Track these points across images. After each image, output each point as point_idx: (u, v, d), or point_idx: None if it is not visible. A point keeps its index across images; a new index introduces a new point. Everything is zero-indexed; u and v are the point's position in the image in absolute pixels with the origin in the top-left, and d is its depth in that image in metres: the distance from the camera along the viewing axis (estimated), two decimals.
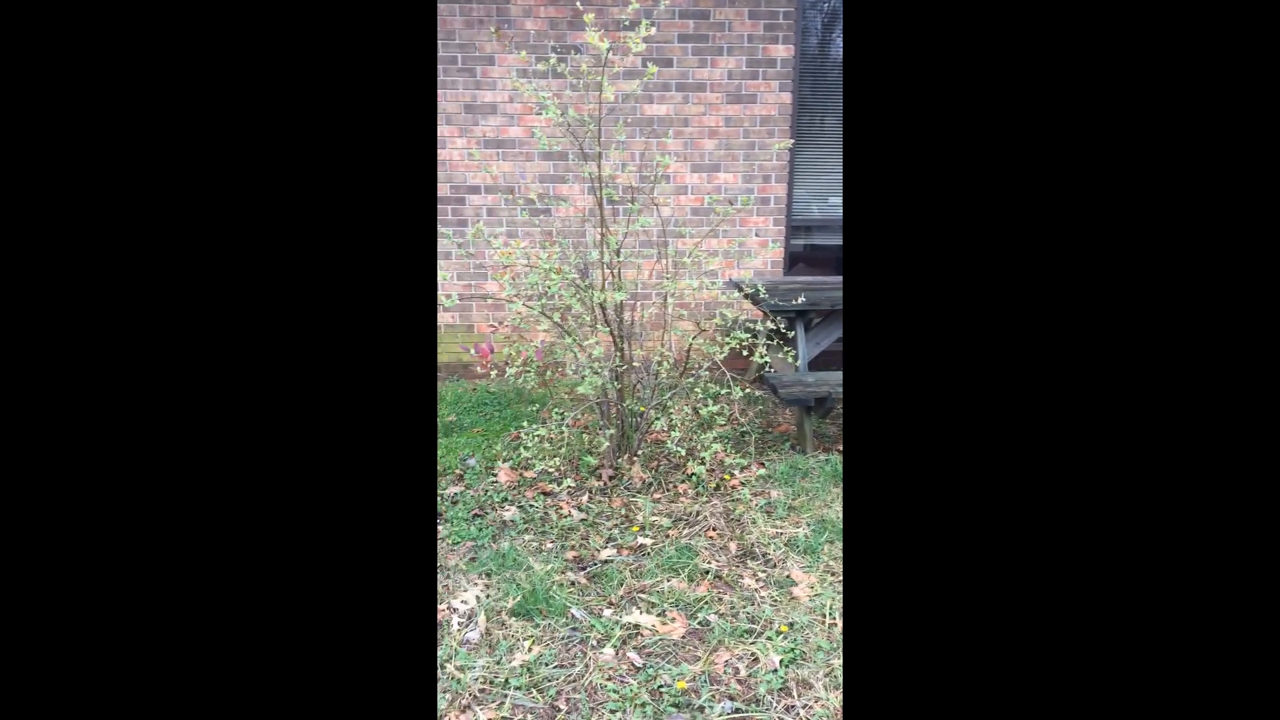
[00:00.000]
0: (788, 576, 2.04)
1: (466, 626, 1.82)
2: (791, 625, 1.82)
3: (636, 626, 1.82)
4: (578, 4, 3.49)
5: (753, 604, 1.92)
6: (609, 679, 1.64)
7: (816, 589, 1.97)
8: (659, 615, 1.86)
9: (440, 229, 2.96)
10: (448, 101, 3.61)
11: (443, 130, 3.64)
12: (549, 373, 2.94)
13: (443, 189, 3.71)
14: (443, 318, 3.85)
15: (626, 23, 3.46)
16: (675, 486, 2.58)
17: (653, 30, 2.11)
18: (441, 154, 3.67)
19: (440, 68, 3.56)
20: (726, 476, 2.65)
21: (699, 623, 1.84)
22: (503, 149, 3.68)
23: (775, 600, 1.93)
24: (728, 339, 2.64)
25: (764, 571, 2.07)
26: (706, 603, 1.92)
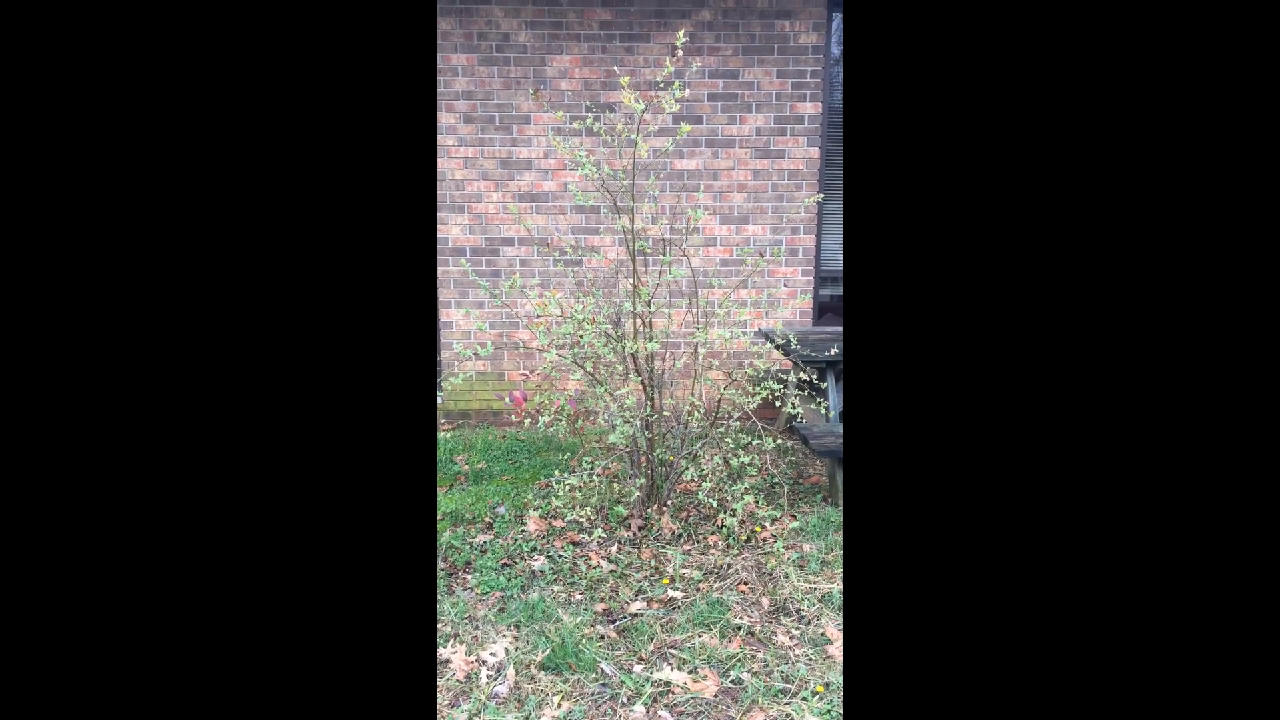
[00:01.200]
0: (822, 634, 1.99)
1: (495, 679, 1.80)
2: (827, 685, 1.77)
3: (668, 683, 1.78)
4: (614, 68, 3.64)
5: (787, 662, 1.87)
6: None
7: None
8: (690, 672, 1.82)
9: (476, 279, 3.04)
10: (485, 158, 3.74)
11: (479, 185, 3.77)
12: (579, 421, 2.96)
13: (477, 240, 3.82)
14: (475, 366, 3.92)
15: (660, 83, 3.59)
16: (705, 538, 2.55)
17: (685, 93, 2.20)
18: (478, 207, 3.79)
19: (478, 126, 3.71)
20: (758, 528, 2.61)
21: (732, 681, 1.80)
22: (537, 202, 3.79)
23: (810, 659, 1.88)
24: (758, 389, 2.64)
25: (798, 628, 2.02)
26: (739, 660, 1.87)
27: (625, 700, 1.73)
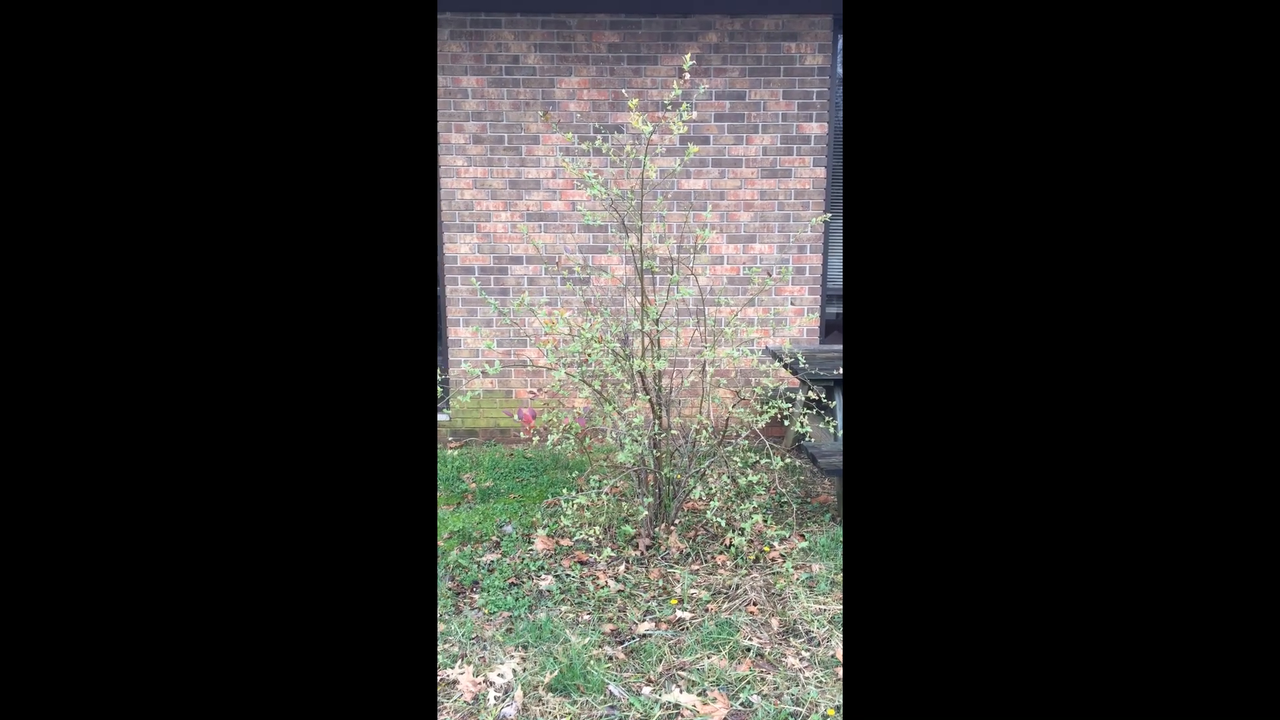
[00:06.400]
0: (832, 656, 1.97)
1: (503, 701, 1.79)
2: (838, 709, 1.75)
3: (677, 706, 1.76)
4: (622, 90, 3.68)
5: (797, 685, 1.85)
6: None
7: None
8: (699, 695, 1.81)
9: (485, 297, 3.06)
10: (494, 178, 3.78)
11: (488, 204, 3.80)
12: (587, 439, 2.96)
13: (486, 259, 3.85)
14: (483, 384, 3.93)
15: (668, 105, 3.63)
16: (714, 558, 2.53)
17: (693, 114, 2.22)
18: (486, 226, 3.82)
19: (487, 146, 3.75)
20: (766, 548, 2.60)
21: (741, 704, 1.78)
22: (545, 221, 3.82)
23: (820, 681, 1.86)
24: (766, 407, 2.64)
25: (808, 650, 2.00)
26: (749, 682, 1.85)
27: None
